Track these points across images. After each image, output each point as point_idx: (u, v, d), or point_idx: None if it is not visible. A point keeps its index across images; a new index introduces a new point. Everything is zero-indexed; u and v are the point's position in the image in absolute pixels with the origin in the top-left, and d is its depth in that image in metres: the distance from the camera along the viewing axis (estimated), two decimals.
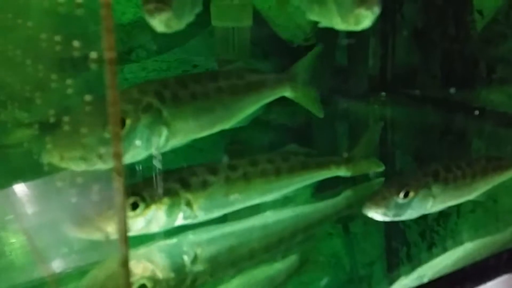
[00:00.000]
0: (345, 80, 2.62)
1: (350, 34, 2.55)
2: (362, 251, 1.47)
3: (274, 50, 2.53)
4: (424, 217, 1.42)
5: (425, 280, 1.19)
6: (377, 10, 1.17)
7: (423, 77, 2.42)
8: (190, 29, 2.52)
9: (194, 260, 1.23)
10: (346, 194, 1.55)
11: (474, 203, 1.45)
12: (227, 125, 1.35)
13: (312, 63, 1.57)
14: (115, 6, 2.15)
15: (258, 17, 2.43)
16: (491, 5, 2.30)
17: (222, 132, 2.27)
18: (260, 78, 1.43)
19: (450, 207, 1.39)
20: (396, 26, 2.54)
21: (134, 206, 1.15)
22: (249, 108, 1.39)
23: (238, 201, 1.31)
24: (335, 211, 1.53)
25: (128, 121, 1.11)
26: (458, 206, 1.43)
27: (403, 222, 1.50)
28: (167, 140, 1.18)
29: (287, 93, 1.51)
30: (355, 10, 1.14)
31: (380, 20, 2.56)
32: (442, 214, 1.44)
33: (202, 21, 2.22)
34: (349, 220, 1.53)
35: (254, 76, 1.41)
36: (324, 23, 1.29)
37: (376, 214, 1.26)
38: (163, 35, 2.74)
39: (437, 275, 1.18)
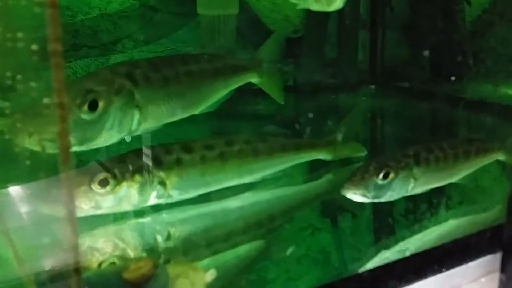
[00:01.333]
0: (335, 72, 2.60)
1: (339, 26, 2.55)
2: (350, 247, 1.44)
3: (263, 42, 2.51)
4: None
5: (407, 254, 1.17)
6: None
7: (412, 69, 2.41)
8: (178, 19, 2.51)
9: (167, 239, 1.20)
10: (328, 177, 1.52)
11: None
12: (196, 110, 1.33)
13: (276, 48, 1.56)
14: None
15: (247, 9, 2.42)
16: None
17: (209, 123, 2.26)
18: (228, 63, 1.42)
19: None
20: (385, 18, 2.53)
21: (104, 183, 1.13)
22: (217, 94, 1.38)
23: (215, 181, 1.29)
24: (316, 194, 1.51)
25: (100, 103, 1.08)
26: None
27: (392, 217, 1.48)
28: (139, 123, 1.15)
29: (254, 79, 1.49)
30: None
31: (370, 12, 2.56)
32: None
33: (190, 11, 2.20)
34: (337, 214, 1.51)
35: (222, 61, 1.40)
36: (301, 4, 1.28)
37: (355, 195, 1.23)
38: (151, 25, 2.68)
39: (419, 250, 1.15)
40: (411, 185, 1.28)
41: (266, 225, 1.35)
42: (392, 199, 1.28)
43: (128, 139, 1.19)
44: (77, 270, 0.60)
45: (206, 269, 0.94)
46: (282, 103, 1.58)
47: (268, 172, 1.40)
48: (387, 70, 2.55)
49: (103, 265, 1.05)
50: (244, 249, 1.22)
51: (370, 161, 1.29)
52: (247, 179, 1.36)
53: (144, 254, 1.15)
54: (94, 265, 1.06)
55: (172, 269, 0.85)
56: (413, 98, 2.39)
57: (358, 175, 1.22)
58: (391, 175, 1.23)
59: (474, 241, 1.11)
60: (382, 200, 1.26)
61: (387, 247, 1.25)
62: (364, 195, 1.22)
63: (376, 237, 1.42)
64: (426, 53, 2.33)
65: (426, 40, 2.35)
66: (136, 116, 1.15)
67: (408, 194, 1.30)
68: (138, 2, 2.34)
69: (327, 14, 2.35)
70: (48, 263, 0.90)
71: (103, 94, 1.08)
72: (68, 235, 0.57)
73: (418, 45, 2.41)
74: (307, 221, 1.42)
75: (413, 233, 1.35)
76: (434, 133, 2.02)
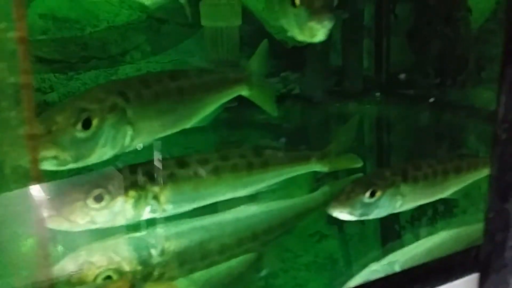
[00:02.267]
0: (340, 80, 2.61)
1: (343, 34, 2.56)
2: (357, 253, 1.46)
3: (269, 51, 2.53)
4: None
5: (396, 266, 1.18)
6: (328, 24, 1.19)
7: (417, 76, 2.41)
8: (184, 29, 2.54)
9: (162, 253, 1.23)
10: (324, 190, 1.53)
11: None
12: (188, 124, 1.36)
13: (264, 59, 1.56)
14: (108, 8, 2.15)
15: (251, 19, 2.45)
16: (489, 5, 2.29)
17: (215, 133, 2.29)
18: (218, 77, 1.45)
19: None
20: (389, 26, 2.53)
21: (99, 198, 1.16)
22: (208, 108, 1.40)
23: (209, 195, 1.31)
24: (311, 207, 1.52)
25: (94, 121, 1.11)
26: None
27: (399, 223, 1.49)
28: (132, 139, 1.18)
29: (244, 92, 1.50)
30: (308, 23, 1.17)
31: (374, 19, 2.57)
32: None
33: (196, 22, 2.24)
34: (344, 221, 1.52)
35: (212, 76, 1.43)
36: (289, 32, 1.30)
37: (342, 214, 1.24)
38: (158, 36, 2.72)
39: (409, 262, 1.16)
40: (399, 202, 1.28)
41: (261, 238, 1.37)
42: (380, 216, 1.28)
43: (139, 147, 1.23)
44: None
45: None
46: (275, 115, 1.59)
47: (263, 185, 1.42)
48: (392, 77, 2.55)
49: (92, 279, 1.08)
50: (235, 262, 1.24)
51: (357, 180, 1.30)
52: (241, 192, 1.38)
53: (140, 268, 1.18)
54: (89, 278, 1.09)
55: None
56: (418, 105, 2.38)
57: (344, 194, 1.23)
58: (378, 193, 1.24)
59: (455, 261, 1.11)
60: (370, 217, 1.27)
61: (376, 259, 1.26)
62: (351, 214, 1.23)
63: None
64: (430, 60, 2.33)
65: (431, 47, 2.35)
66: (129, 132, 1.18)
67: (397, 211, 1.31)
68: (145, 14, 2.38)
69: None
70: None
71: (96, 112, 1.12)
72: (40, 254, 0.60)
73: (422, 52, 2.41)
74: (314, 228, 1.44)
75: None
76: (438, 142, 2.01)
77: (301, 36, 1.24)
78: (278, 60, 2.49)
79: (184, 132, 2.16)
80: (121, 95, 1.18)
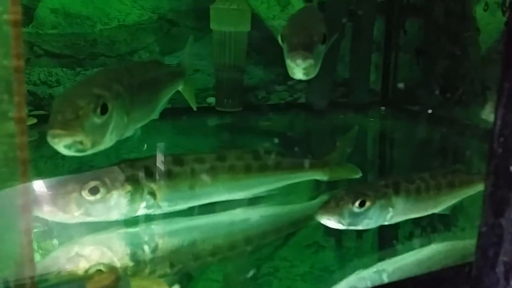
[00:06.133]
0: (346, 92, 2.62)
1: (352, 46, 2.56)
2: (354, 266, 1.44)
3: (277, 59, 2.54)
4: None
5: (384, 275, 1.16)
6: (304, 63, 1.18)
7: (423, 93, 2.41)
8: (193, 33, 2.55)
9: (155, 250, 1.23)
10: (322, 199, 1.53)
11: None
12: (155, 115, 1.42)
13: (192, 55, 1.70)
14: (120, 7, 2.16)
15: (261, 26, 2.46)
16: (498, 26, 2.29)
17: (219, 136, 2.29)
18: (168, 71, 1.55)
19: None
20: (399, 41, 2.54)
21: (95, 191, 1.16)
22: (165, 98, 1.49)
23: (204, 195, 1.31)
24: (309, 215, 1.51)
25: (109, 106, 1.12)
26: None
27: (396, 237, 1.48)
28: (125, 128, 1.19)
29: (181, 86, 1.61)
30: (287, 60, 1.18)
31: (384, 34, 2.58)
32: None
33: (206, 25, 2.25)
34: (341, 233, 1.51)
35: (165, 69, 1.54)
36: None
37: (329, 222, 1.21)
38: (167, 38, 2.75)
39: (396, 272, 1.15)
40: (390, 214, 1.26)
41: (255, 242, 1.37)
42: (369, 227, 1.26)
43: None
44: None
45: (170, 284, 0.96)
46: (195, 109, 1.73)
47: (260, 189, 1.41)
48: (398, 92, 2.55)
49: (87, 273, 1.07)
50: None
51: (348, 188, 1.27)
52: (238, 195, 1.37)
53: (131, 264, 1.17)
54: (79, 272, 1.09)
55: (135, 283, 0.87)
56: (422, 122, 2.38)
57: (333, 201, 1.21)
58: (368, 204, 1.21)
59: (446, 276, 1.10)
60: (359, 227, 1.24)
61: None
62: (339, 222, 1.20)
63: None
64: (437, 77, 2.33)
65: (438, 65, 2.35)
66: (125, 120, 1.19)
67: (387, 223, 1.28)
68: (156, 15, 2.40)
69: (341, 34, 2.37)
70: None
71: (109, 98, 1.12)
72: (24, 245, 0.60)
73: (430, 70, 2.41)
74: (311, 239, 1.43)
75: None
76: (438, 158, 2.01)
77: (293, 74, 1.24)
78: (285, 68, 2.51)
79: (186, 134, 2.18)
80: (119, 83, 1.19)
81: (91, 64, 2.32)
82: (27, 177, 0.60)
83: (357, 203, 1.20)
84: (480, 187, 1.43)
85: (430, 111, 2.12)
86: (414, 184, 1.29)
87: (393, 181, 1.28)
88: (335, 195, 1.23)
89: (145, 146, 1.34)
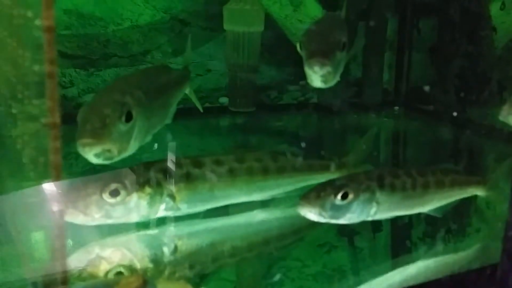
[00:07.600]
0: (359, 92, 2.61)
1: (365, 46, 2.55)
2: (367, 266, 1.44)
3: (289, 59, 2.53)
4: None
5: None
6: (326, 69, 1.17)
7: (437, 92, 2.39)
8: (206, 33, 2.55)
9: (174, 252, 1.23)
10: None
11: None
12: (169, 119, 1.46)
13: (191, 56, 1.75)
14: (132, 7, 2.17)
15: (274, 26, 2.45)
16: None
17: (232, 137, 2.29)
18: (177, 74, 1.58)
19: None
20: (412, 40, 2.52)
21: (115, 193, 1.16)
22: (174, 104, 1.51)
23: (223, 197, 1.31)
24: None
25: (133, 113, 1.14)
26: None
27: (410, 238, 1.47)
28: (146, 133, 1.20)
29: (187, 89, 1.65)
30: (306, 67, 1.15)
31: (397, 33, 2.56)
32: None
33: (218, 25, 2.25)
34: (354, 234, 1.51)
35: (174, 73, 1.56)
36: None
37: (310, 213, 1.16)
38: (179, 38, 2.75)
39: (405, 284, 1.13)
40: (373, 209, 1.21)
41: (273, 244, 1.36)
42: (352, 221, 1.21)
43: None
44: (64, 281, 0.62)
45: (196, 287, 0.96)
46: (201, 110, 1.80)
47: (278, 191, 1.40)
48: (412, 92, 2.54)
49: (108, 275, 1.08)
50: None
51: (331, 180, 1.23)
52: (256, 196, 1.37)
53: (151, 265, 1.18)
54: (100, 273, 1.09)
55: (161, 286, 0.87)
56: (436, 122, 2.37)
57: (314, 192, 1.16)
58: (350, 196, 1.17)
59: (469, 279, 1.09)
60: (341, 221, 1.20)
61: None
62: (320, 214, 1.15)
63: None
64: (452, 77, 2.31)
65: (452, 64, 2.34)
66: (146, 125, 1.21)
67: (371, 218, 1.24)
68: (169, 15, 2.40)
69: (353, 32, 2.36)
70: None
71: (132, 105, 1.15)
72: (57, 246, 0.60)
73: (444, 69, 2.39)
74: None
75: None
76: (452, 159, 1.99)
77: (311, 82, 1.23)
78: (297, 68, 2.50)
79: (199, 135, 2.19)
80: (140, 90, 1.21)
81: (104, 64, 2.32)
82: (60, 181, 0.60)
83: (339, 195, 1.16)
84: (475, 191, 1.38)
85: (455, 113, 2.10)
86: (400, 179, 1.24)
87: (377, 174, 1.24)
88: (317, 186, 1.18)
89: (155, 146, 1.34)
